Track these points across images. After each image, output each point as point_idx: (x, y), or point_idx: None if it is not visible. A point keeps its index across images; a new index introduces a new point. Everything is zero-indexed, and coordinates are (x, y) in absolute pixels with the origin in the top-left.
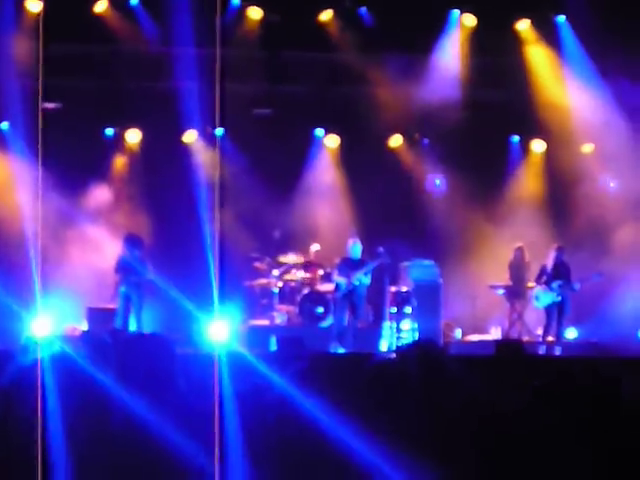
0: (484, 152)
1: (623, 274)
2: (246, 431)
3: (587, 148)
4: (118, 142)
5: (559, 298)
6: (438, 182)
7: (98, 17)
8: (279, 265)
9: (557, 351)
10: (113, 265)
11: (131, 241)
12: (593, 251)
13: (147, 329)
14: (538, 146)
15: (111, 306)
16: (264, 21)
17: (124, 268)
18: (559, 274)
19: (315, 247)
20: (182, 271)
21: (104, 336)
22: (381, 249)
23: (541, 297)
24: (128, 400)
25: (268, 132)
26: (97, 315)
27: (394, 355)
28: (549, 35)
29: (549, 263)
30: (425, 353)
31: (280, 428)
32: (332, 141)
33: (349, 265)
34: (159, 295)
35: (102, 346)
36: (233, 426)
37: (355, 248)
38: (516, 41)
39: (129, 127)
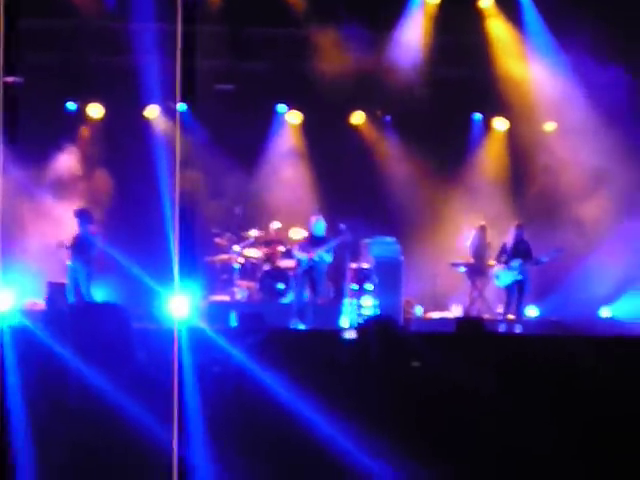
0: (446, 130)
1: (584, 252)
2: (205, 400)
3: (549, 126)
4: (80, 116)
5: (519, 276)
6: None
7: None
8: (240, 241)
9: (517, 329)
10: (64, 240)
11: (81, 215)
12: (554, 228)
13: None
14: (500, 124)
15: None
16: None
17: (73, 243)
18: (518, 252)
19: (276, 224)
20: (143, 246)
21: (63, 308)
22: (342, 226)
23: (502, 276)
24: (86, 373)
25: (230, 108)
26: (57, 290)
27: (354, 331)
28: (512, 13)
29: (509, 241)
30: (384, 329)
31: (238, 397)
32: (294, 117)
33: (311, 242)
34: (119, 270)
35: (61, 318)
36: (192, 397)
37: (318, 225)
38: (479, 19)
39: (91, 101)
